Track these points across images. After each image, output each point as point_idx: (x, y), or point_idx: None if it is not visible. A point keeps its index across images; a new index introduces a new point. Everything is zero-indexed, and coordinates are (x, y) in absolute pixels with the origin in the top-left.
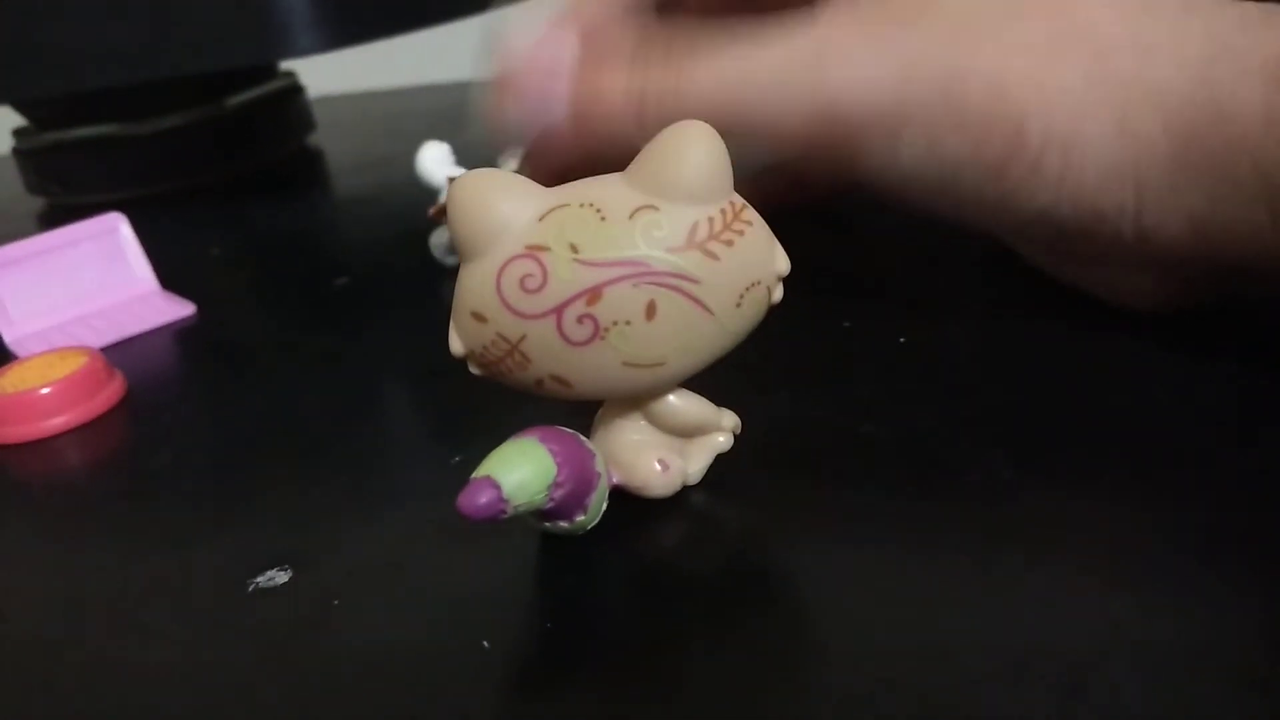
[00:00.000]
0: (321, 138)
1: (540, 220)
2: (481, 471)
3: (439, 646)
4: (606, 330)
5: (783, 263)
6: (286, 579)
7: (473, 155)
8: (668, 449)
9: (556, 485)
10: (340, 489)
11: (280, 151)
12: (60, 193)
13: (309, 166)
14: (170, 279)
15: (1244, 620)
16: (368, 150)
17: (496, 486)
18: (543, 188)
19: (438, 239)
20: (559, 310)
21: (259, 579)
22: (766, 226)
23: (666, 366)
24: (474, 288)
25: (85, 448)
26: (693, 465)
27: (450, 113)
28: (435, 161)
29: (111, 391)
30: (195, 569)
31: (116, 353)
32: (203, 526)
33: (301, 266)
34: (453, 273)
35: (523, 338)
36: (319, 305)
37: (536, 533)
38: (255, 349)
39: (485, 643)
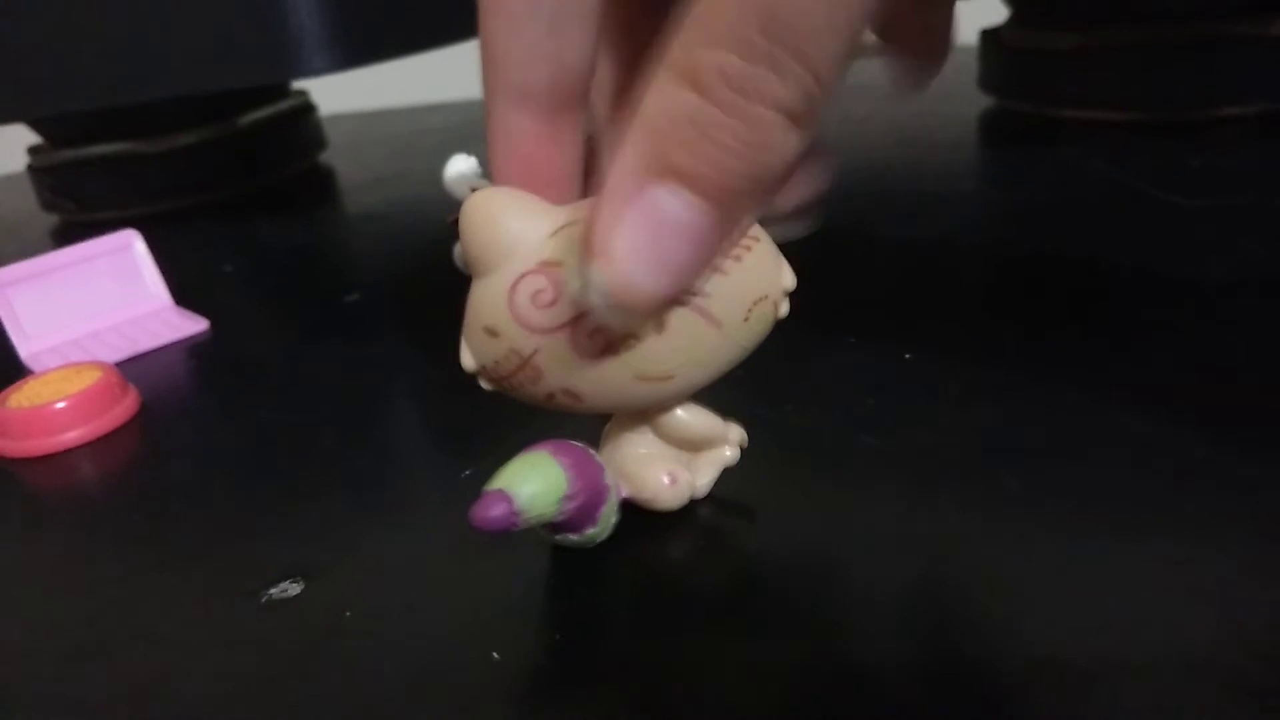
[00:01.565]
0: (333, 156)
1: (551, 237)
2: (494, 484)
3: (449, 657)
4: (618, 344)
5: (789, 278)
6: (299, 590)
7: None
8: (675, 462)
9: (568, 498)
10: (352, 502)
11: (292, 169)
12: (75, 209)
13: (320, 184)
14: (183, 295)
15: (1244, 629)
16: (378, 168)
17: (509, 499)
18: (553, 206)
19: (460, 249)
20: (572, 325)
21: (272, 590)
22: (772, 242)
23: (676, 380)
24: (486, 303)
25: (99, 462)
26: (700, 479)
27: (460, 131)
28: (461, 174)
29: (125, 406)
30: (208, 581)
31: (130, 368)
32: (215, 539)
33: (313, 283)
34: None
35: (535, 352)
36: (330, 321)
37: (546, 545)
38: (267, 364)
39: (495, 654)
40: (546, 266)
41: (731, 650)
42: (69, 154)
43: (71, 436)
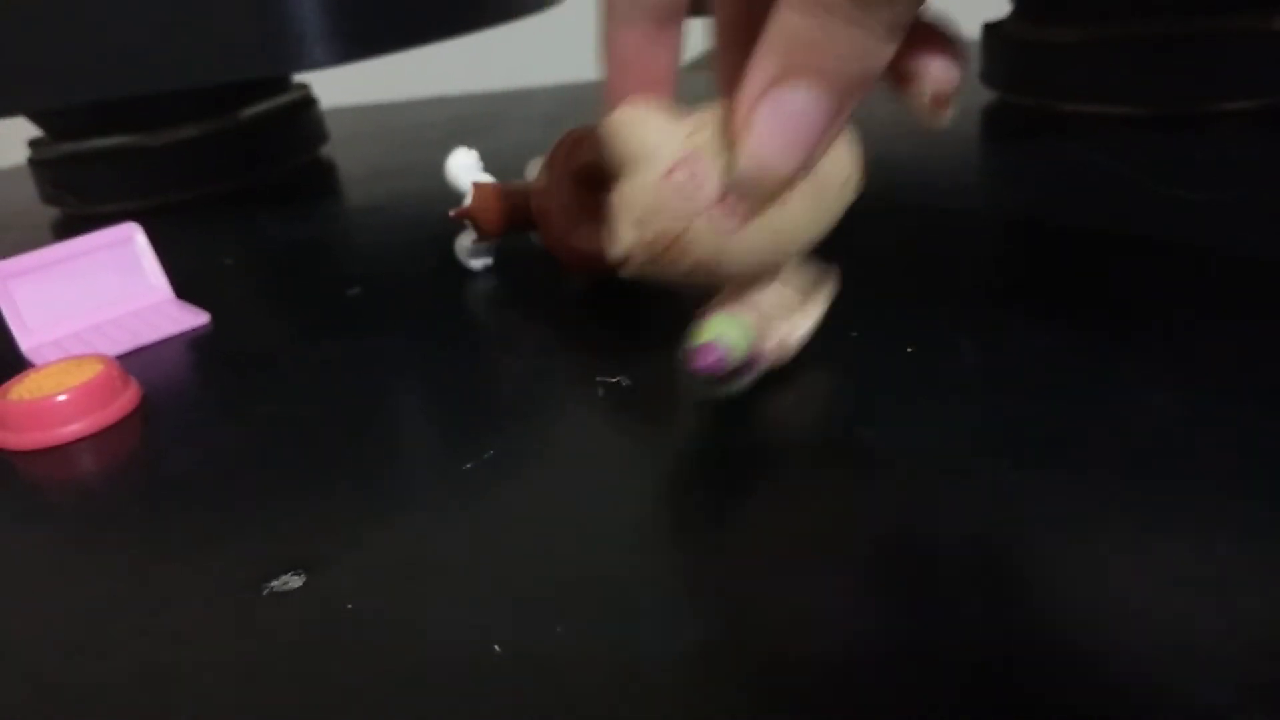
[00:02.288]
0: (334, 149)
1: (690, 135)
2: (699, 340)
3: (451, 651)
4: (753, 216)
5: (859, 169)
6: (300, 583)
7: (499, 161)
8: (790, 313)
9: (755, 340)
10: (353, 495)
11: (293, 162)
12: (75, 203)
13: (321, 177)
14: (185, 288)
15: (1246, 623)
16: (379, 161)
17: (717, 345)
18: (680, 113)
19: (462, 242)
20: (717, 203)
21: (273, 583)
22: (851, 136)
23: (798, 240)
24: (640, 194)
25: (100, 454)
26: (811, 318)
27: (462, 124)
28: (463, 167)
29: (127, 399)
30: (210, 574)
31: (132, 361)
32: (217, 532)
33: (314, 276)
34: (473, 276)
35: (685, 230)
36: (331, 314)
37: (543, 533)
38: (268, 357)
39: (496, 647)
40: (692, 157)
41: (724, 654)
42: (70, 147)
43: (72, 429)
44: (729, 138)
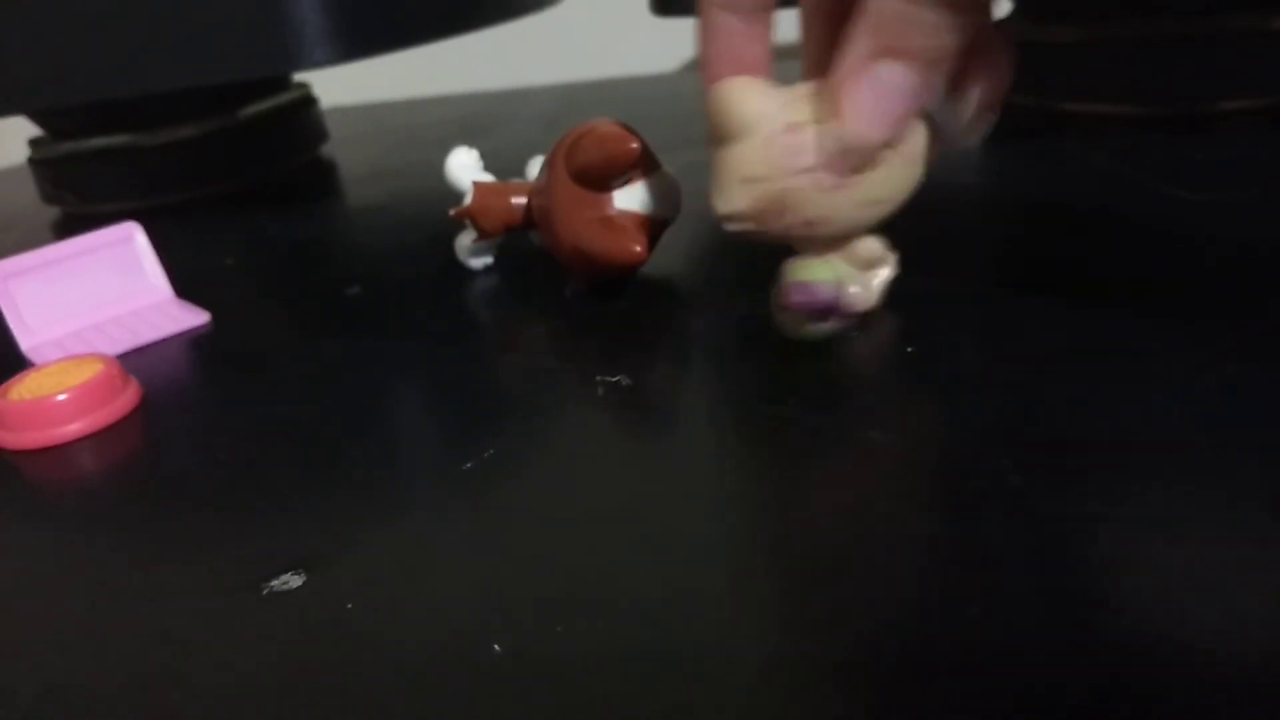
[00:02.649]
0: (334, 148)
1: (790, 106)
2: (790, 279)
3: (450, 650)
4: (846, 180)
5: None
6: (300, 583)
7: (500, 161)
8: (858, 277)
9: (840, 283)
10: (353, 494)
11: (293, 162)
12: (76, 202)
13: (321, 177)
14: (185, 287)
15: (1247, 625)
16: (379, 161)
17: (806, 284)
18: (780, 86)
19: (462, 241)
20: (815, 168)
21: (273, 582)
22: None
23: (885, 204)
24: (745, 159)
25: (100, 454)
26: (888, 270)
27: (462, 123)
28: (463, 167)
29: (127, 398)
30: (209, 573)
31: (132, 360)
32: (217, 531)
33: (314, 275)
34: (473, 276)
35: (785, 192)
36: (331, 314)
37: (545, 531)
38: (268, 357)
39: (496, 646)
40: (794, 127)
41: (724, 654)
42: (70, 146)
43: (72, 429)
44: (827, 108)
